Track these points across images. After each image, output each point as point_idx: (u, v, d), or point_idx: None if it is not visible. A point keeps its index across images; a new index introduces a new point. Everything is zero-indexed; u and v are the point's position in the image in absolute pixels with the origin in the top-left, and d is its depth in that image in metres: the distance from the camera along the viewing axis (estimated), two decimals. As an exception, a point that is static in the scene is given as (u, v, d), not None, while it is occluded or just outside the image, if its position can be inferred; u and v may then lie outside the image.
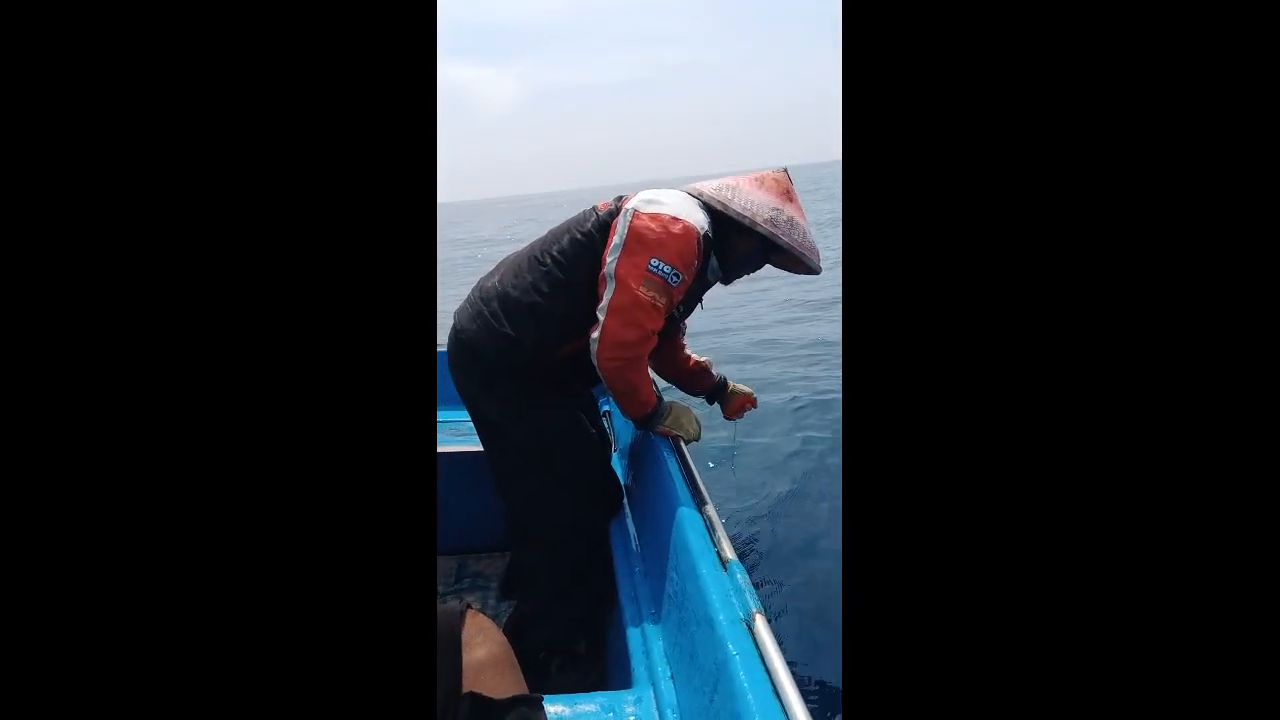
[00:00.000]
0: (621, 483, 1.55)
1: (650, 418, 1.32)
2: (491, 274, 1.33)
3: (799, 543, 1.91)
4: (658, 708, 0.96)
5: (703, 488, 1.17)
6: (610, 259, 1.18)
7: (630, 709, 0.96)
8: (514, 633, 1.29)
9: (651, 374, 1.37)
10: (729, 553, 0.98)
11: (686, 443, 1.35)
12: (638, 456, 1.53)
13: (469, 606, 0.67)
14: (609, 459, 1.41)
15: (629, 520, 1.42)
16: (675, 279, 1.17)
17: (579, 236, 1.25)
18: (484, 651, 0.62)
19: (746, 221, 1.23)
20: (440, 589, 1.73)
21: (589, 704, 0.96)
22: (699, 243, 1.19)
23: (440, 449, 1.74)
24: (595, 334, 1.18)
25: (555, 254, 1.25)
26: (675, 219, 1.18)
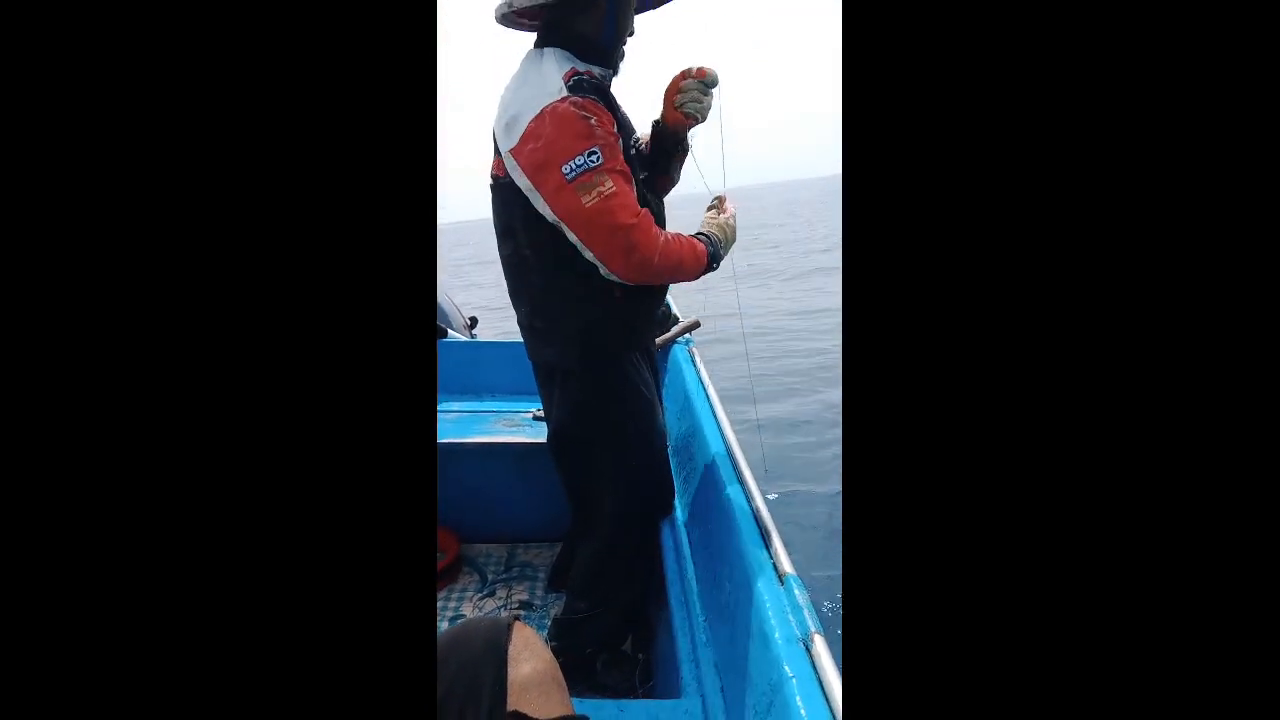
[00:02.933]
0: (673, 479, 1.52)
1: (715, 259, 1.15)
2: (516, 307, 1.23)
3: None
4: (707, 722, 0.92)
5: (758, 494, 1.12)
6: (541, 208, 1.04)
7: None
8: (561, 631, 1.29)
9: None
10: (786, 566, 0.93)
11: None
12: (690, 453, 1.49)
13: (516, 618, 0.65)
14: (665, 454, 1.36)
15: (679, 518, 1.39)
16: (594, 157, 0.98)
17: (515, 212, 1.10)
18: (529, 668, 0.60)
19: None
20: (489, 576, 1.74)
21: (636, 713, 0.94)
22: (573, 105, 0.99)
23: (493, 440, 1.75)
24: (604, 271, 1.05)
25: (525, 246, 1.12)
26: (537, 118, 1.00)
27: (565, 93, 1.00)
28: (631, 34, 1.14)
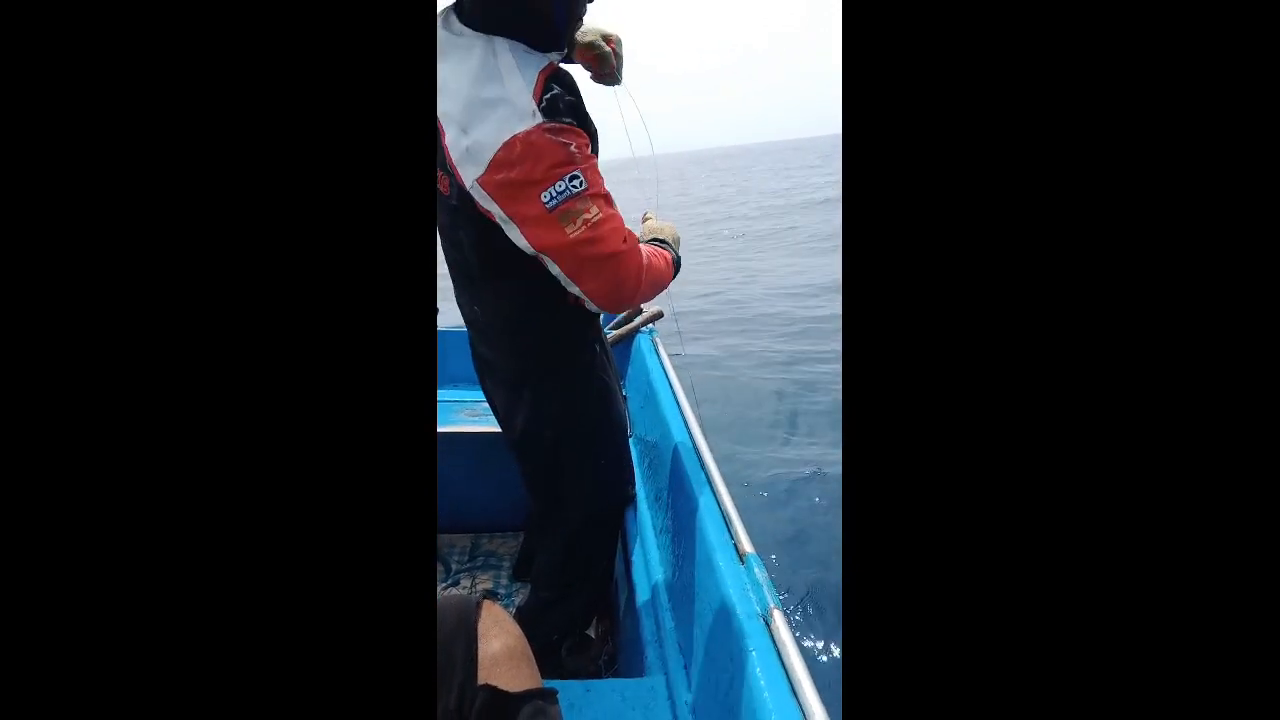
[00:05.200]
0: (637, 468, 1.54)
1: (678, 265, 1.15)
2: (465, 312, 1.16)
3: (821, 536, 1.89)
4: (671, 699, 0.95)
5: (719, 478, 1.15)
6: (520, 241, 0.93)
7: (643, 698, 0.96)
8: (526, 619, 1.30)
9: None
10: (746, 545, 0.97)
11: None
12: (653, 442, 1.52)
13: (485, 597, 0.66)
14: (628, 445, 1.37)
15: (643, 504, 1.42)
16: (577, 183, 0.88)
17: (462, 225, 1.00)
18: (499, 644, 0.61)
19: None
20: (454, 567, 1.74)
21: (603, 691, 0.96)
22: (548, 133, 0.87)
23: (456, 429, 1.75)
24: (589, 305, 1.00)
25: (472, 258, 1.03)
26: (506, 146, 0.87)
27: (539, 118, 0.87)
28: (584, 14, 1.03)
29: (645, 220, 1.24)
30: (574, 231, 0.89)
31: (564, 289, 0.98)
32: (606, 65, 1.15)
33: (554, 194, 0.88)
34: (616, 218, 0.94)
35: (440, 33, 0.97)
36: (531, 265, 0.96)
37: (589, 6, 1.04)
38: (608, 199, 0.94)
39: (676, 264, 1.14)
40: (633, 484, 1.38)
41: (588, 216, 0.89)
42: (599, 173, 0.93)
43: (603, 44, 1.14)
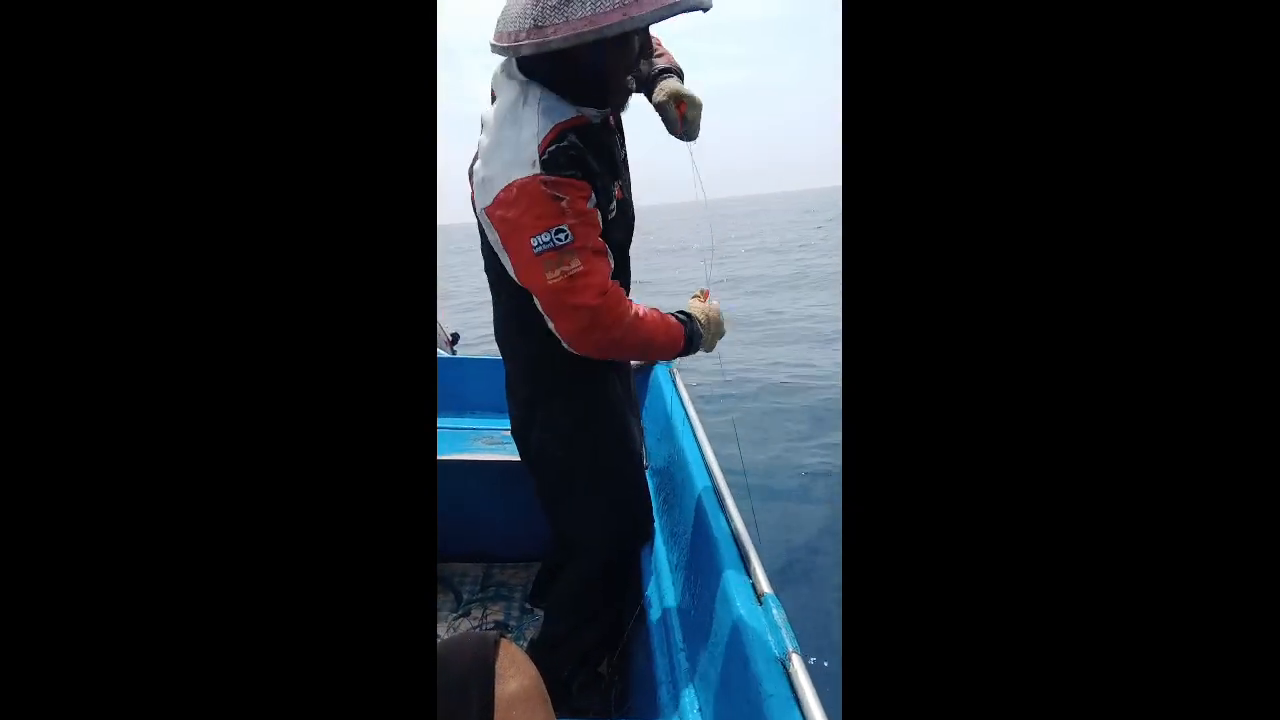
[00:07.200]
0: (653, 501, 1.53)
1: (691, 342, 1.14)
2: (496, 326, 1.24)
3: (838, 576, 1.86)
4: (685, 743, 0.93)
5: (737, 515, 1.14)
6: (510, 270, 1.03)
7: None
8: (539, 652, 1.28)
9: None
10: (764, 586, 0.95)
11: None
12: (670, 475, 1.51)
13: (502, 636, 0.65)
14: (643, 477, 1.37)
15: (659, 540, 1.40)
16: (562, 235, 0.95)
17: (485, 244, 1.11)
18: (516, 684, 0.61)
19: (588, 35, 0.89)
20: (465, 596, 1.73)
21: None
22: (544, 185, 0.95)
23: (474, 457, 1.75)
24: (564, 345, 1.05)
25: (505, 269, 1.10)
26: (507, 189, 0.97)
27: (538, 169, 0.96)
28: (633, 69, 1.07)
29: (694, 297, 1.26)
30: (553, 279, 0.97)
31: None
32: (673, 127, 1.20)
33: (540, 242, 0.96)
34: (598, 273, 1.00)
35: (498, 73, 1.08)
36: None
37: (647, 65, 1.12)
38: (595, 251, 1.00)
39: (690, 339, 1.15)
40: (651, 521, 1.37)
41: (566, 269, 0.97)
42: (592, 224, 1.00)
43: (671, 107, 1.18)
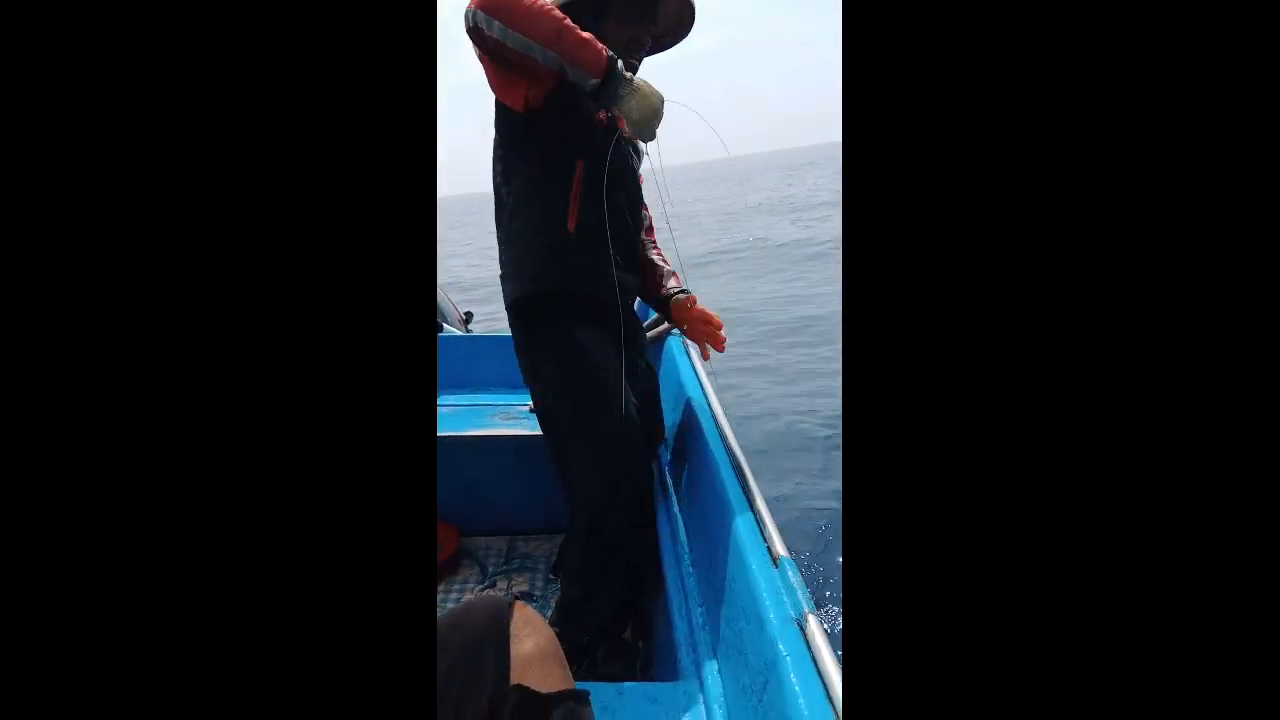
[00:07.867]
0: (666, 469, 1.53)
1: (612, 76, 1.07)
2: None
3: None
4: (705, 703, 0.95)
5: (752, 480, 1.14)
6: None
7: (676, 702, 0.95)
8: (560, 619, 1.30)
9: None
10: (780, 549, 0.96)
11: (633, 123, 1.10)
12: (684, 440, 1.51)
13: (516, 598, 0.66)
14: (636, 441, 1.33)
15: (675, 508, 1.41)
16: None
17: (497, 140, 1.26)
18: (531, 644, 0.62)
19: None
20: (489, 569, 1.76)
21: (635, 695, 0.96)
22: None
23: (491, 432, 1.77)
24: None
25: (499, 176, 1.27)
26: None
27: None
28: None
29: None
30: None
31: (561, 218, 1.20)
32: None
33: None
34: None
35: None
36: (532, 191, 1.22)
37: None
38: None
39: (611, 72, 1.07)
40: (641, 490, 1.33)
41: None
42: None
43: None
